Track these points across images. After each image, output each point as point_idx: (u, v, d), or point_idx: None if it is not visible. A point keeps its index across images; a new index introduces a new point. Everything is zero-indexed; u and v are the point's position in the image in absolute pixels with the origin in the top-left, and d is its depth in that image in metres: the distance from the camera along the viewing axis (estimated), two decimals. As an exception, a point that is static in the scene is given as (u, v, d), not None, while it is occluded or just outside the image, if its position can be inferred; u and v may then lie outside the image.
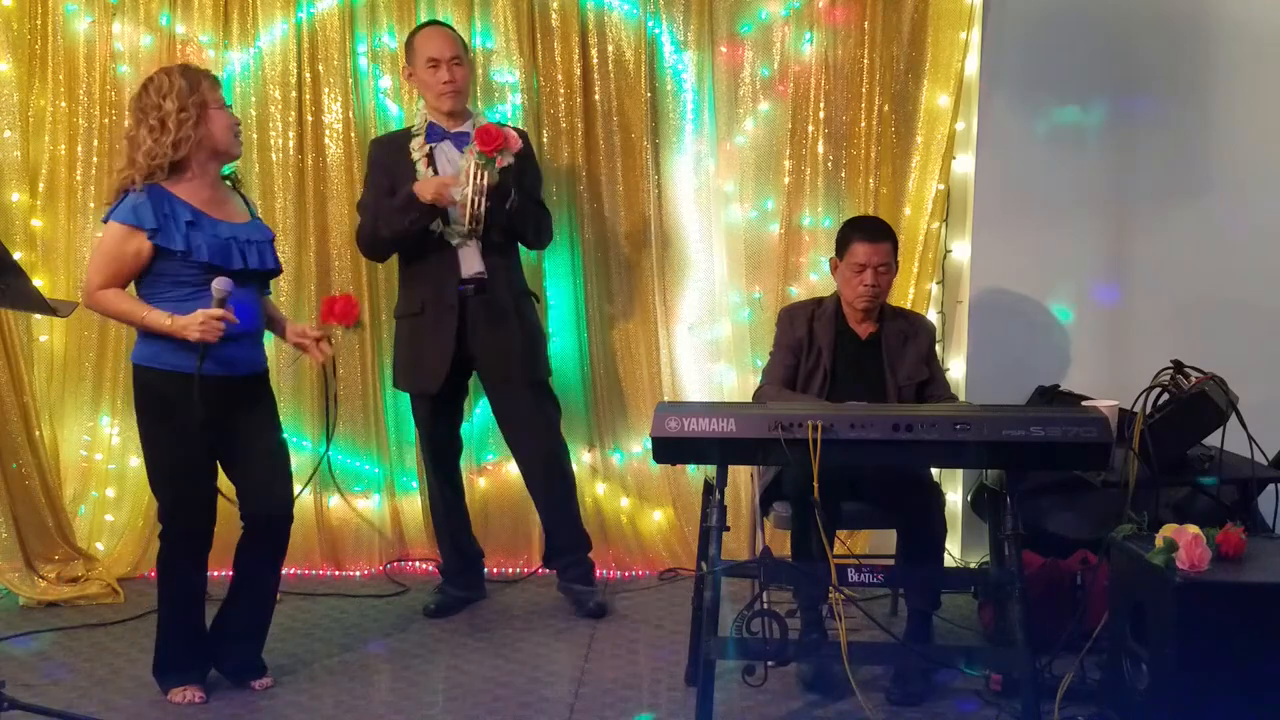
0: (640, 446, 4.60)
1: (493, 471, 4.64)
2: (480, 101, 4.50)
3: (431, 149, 3.94)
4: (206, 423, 3.20)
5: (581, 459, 4.60)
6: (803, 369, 3.68)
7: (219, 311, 3.15)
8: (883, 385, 3.62)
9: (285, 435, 3.58)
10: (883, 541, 4.13)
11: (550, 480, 4.11)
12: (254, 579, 3.45)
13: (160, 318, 3.17)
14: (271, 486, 3.40)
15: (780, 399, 3.54)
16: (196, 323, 3.13)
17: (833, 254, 3.73)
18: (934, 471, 3.84)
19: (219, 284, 3.16)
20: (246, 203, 3.46)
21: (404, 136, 4.02)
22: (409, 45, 4.02)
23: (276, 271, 3.48)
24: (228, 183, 3.42)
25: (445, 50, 3.92)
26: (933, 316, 4.32)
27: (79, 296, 3.32)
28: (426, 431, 4.13)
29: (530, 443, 4.11)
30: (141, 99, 3.28)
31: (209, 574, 3.45)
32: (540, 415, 4.08)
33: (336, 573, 4.56)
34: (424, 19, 4.46)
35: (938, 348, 4.06)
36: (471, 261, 3.92)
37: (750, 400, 3.90)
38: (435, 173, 3.90)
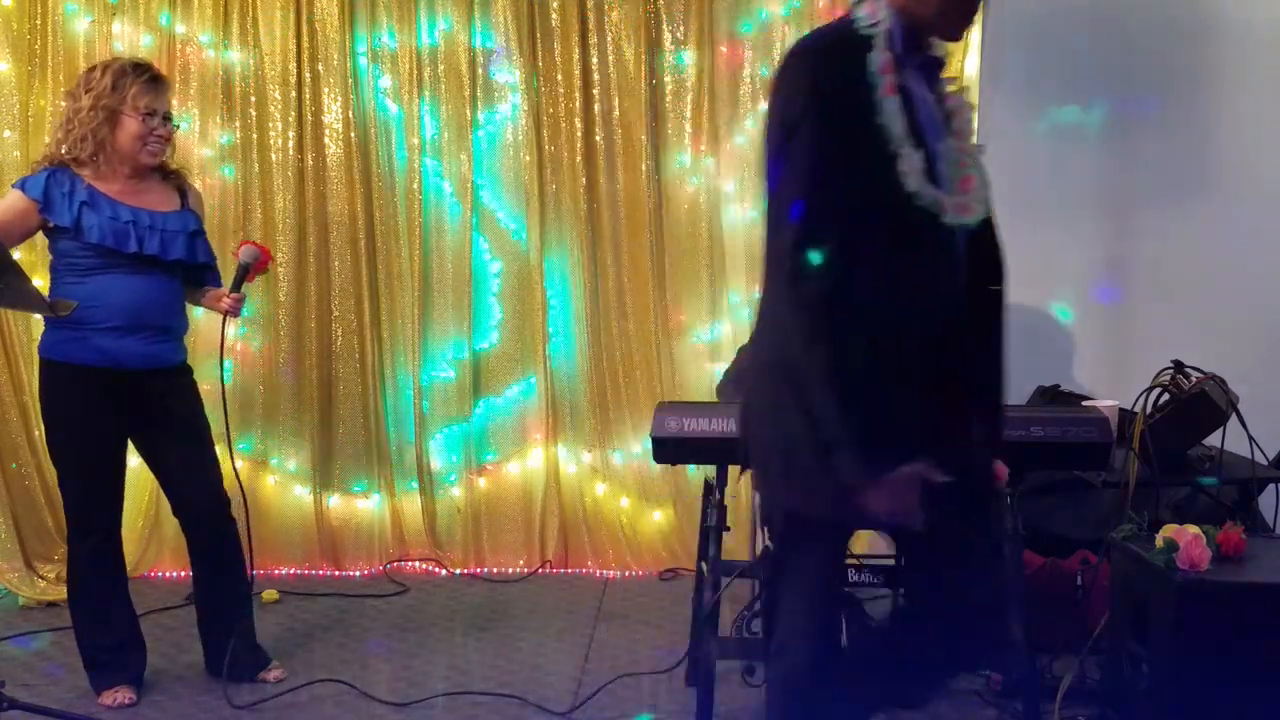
0: (640, 446, 4.59)
1: (493, 471, 4.64)
2: (480, 103, 4.51)
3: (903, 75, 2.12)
4: (99, 411, 3.17)
5: (582, 459, 4.62)
6: None
7: (239, 295, 3.31)
8: None
9: (209, 434, 3.40)
10: (882, 541, 4.13)
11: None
12: (210, 578, 3.42)
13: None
14: (190, 486, 3.34)
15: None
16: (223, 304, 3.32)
17: None
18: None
19: (240, 252, 3.32)
20: (184, 194, 3.31)
21: (852, 45, 2.08)
22: None
23: (194, 263, 3.28)
24: (159, 173, 3.28)
25: None
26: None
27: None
28: None
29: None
30: (73, 86, 3.25)
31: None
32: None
33: (336, 573, 4.56)
34: (424, 19, 4.47)
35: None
36: None
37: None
38: (909, 119, 2.12)
